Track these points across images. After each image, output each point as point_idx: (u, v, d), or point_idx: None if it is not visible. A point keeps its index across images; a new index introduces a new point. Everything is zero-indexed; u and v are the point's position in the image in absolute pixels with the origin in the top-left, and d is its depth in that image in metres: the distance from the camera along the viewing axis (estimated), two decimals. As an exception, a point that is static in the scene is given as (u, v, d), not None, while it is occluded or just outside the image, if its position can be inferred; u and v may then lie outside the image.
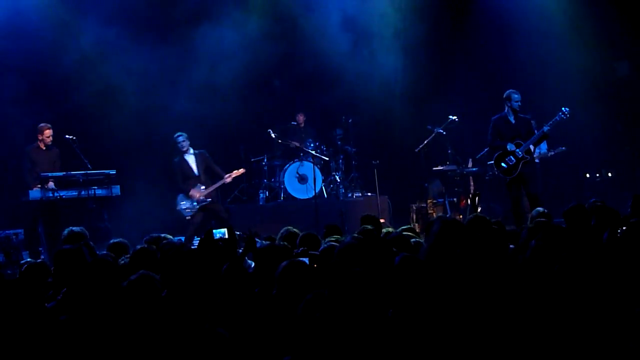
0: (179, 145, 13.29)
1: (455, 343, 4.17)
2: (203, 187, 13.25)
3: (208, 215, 13.42)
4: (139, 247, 6.63)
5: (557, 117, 11.64)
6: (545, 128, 11.70)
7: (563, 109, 11.63)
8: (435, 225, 5.31)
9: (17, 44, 13.63)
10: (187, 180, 13.30)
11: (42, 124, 12.52)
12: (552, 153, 13.74)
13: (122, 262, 6.53)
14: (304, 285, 4.73)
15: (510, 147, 11.67)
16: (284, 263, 5.00)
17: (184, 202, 13.28)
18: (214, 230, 6.10)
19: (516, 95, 11.76)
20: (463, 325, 4.25)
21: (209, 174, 13.44)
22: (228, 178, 13.41)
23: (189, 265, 5.27)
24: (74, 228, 8.16)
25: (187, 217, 13.24)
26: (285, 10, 14.97)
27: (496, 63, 15.51)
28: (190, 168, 13.33)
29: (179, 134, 13.36)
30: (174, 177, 13.43)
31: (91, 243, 7.71)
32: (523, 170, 11.65)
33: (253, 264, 6.08)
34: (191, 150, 13.34)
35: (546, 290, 4.55)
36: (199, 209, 13.22)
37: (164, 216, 13.48)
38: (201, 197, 13.23)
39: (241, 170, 13.62)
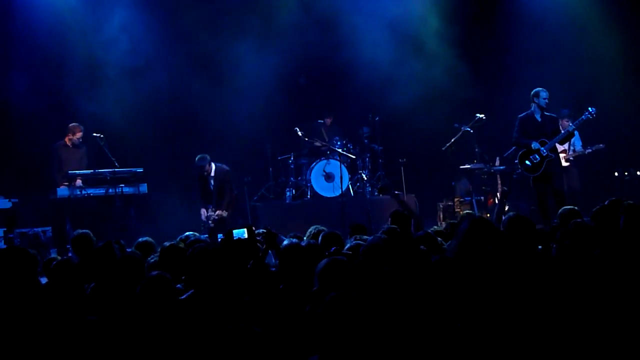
0: (203, 172, 12.92)
1: (481, 343, 4.13)
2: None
3: None
4: (167, 244, 6.64)
5: (583, 117, 11.77)
6: (571, 127, 11.80)
7: (590, 108, 11.69)
8: (463, 224, 5.27)
9: (49, 42, 13.73)
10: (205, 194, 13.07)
11: (74, 124, 12.63)
12: (590, 150, 13.64)
13: (152, 260, 6.55)
14: (345, 282, 4.72)
15: (535, 145, 11.73)
16: (324, 261, 4.99)
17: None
18: (234, 231, 6.09)
19: (544, 93, 11.88)
20: (490, 325, 4.21)
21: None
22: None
23: (214, 263, 5.28)
24: (82, 231, 8.06)
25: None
26: (312, 9, 14.94)
27: (524, 60, 15.39)
28: (208, 185, 13.04)
29: (199, 158, 12.85)
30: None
31: (122, 241, 7.73)
32: (548, 168, 11.68)
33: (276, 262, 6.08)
34: (212, 172, 12.95)
35: (575, 288, 4.49)
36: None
37: (191, 214, 13.53)
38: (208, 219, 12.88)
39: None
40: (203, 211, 12.97)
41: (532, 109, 11.89)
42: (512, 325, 4.06)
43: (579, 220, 6.44)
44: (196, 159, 12.84)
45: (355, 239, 6.92)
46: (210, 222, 12.79)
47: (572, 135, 12.30)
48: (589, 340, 4.05)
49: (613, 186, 14.79)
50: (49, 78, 13.72)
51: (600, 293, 4.40)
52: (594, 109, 11.70)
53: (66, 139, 12.61)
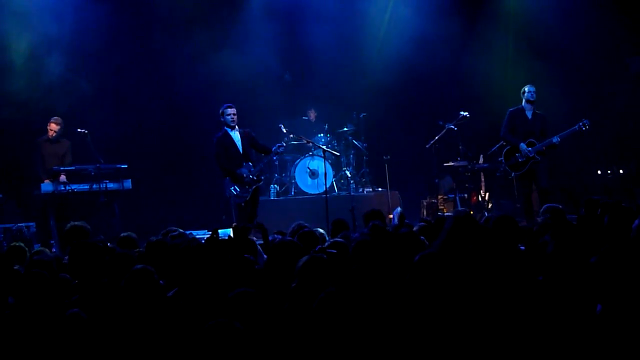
0: (228, 118, 11.94)
1: (466, 343, 4.16)
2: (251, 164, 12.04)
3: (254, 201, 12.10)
4: (154, 238, 6.62)
5: (575, 127, 11.77)
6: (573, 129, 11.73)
7: (584, 120, 11.71)
8: (448, 221, 5.30)
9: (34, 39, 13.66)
10: (231, 159, 11.98)
11: (53, 117, 12.54)
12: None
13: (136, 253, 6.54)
14: (324, 280, 4.75)
15: (522, 146, 11.79)
16: (304, 258, 5.00)
17: (235, 187, 11.98)
18: (220, 230, 6.10)
19: (529, 87, 12.05)
20: (472, 324, 4.24)
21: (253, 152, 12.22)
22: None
23: (199, 260, 5.29)
24: (76, 223, 8.01)
25: (240, 204, 11.96)
26: (297, 6, 14.96)
27: (508, 58, 15.47)
28: (235, 145, 12.04)
29: (227, 104, 11.98)
30: (218, 156, 11.98)
31: (102, 237, 7.71)
32: (532, 168, 11.76)
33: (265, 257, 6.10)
34: (237, 127, 12.07)
35: (565, 287, 4.53)
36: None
37: (174, 210, 13.51)
38: (253, 177, 11.99)
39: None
40: (244, 170, 11.93)
41: (523, 104, 12.03)
42: (495, 321, 4.09)
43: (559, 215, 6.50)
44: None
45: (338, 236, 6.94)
46: (249, 187, 11.86)
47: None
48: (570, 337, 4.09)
49: (595, 184, 14.89)
50: (32, 72, 13.61)
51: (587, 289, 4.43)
52: (587, 121, 11.75)
53: (49, 132, 12.54)
